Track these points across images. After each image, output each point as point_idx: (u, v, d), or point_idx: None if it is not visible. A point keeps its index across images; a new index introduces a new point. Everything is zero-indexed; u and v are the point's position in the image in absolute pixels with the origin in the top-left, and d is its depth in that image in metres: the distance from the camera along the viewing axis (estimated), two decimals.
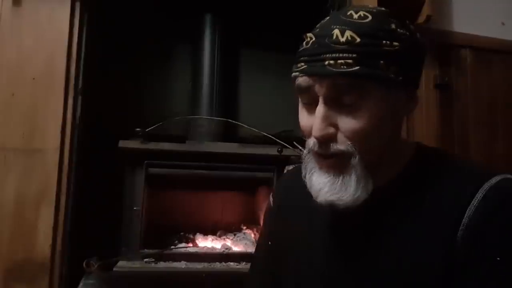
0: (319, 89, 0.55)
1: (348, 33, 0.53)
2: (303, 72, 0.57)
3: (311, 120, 0.58)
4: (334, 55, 0.53)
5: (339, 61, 0.53)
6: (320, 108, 0.55)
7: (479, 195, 0.53)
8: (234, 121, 1.68)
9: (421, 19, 1.60)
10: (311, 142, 0.59)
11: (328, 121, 0.55)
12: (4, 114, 1.30)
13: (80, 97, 1.38)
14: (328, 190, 0.57)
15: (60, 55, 1.34)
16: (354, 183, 0.56)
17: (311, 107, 0.59)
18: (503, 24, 1.85)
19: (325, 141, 0.56)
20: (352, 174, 0.56)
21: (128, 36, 1.77)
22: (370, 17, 0.55)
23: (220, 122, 1.67)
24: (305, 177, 0.61)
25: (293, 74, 0.59)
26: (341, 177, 0.56)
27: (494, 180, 0.54)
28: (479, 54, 1.78)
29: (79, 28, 1.38)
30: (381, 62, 0.53)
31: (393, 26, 0.56)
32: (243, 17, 1.87)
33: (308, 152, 0.61)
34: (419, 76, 0.61)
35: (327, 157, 0.57)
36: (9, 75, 1.31)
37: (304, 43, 0.58)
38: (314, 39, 0.56)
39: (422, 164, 0.61)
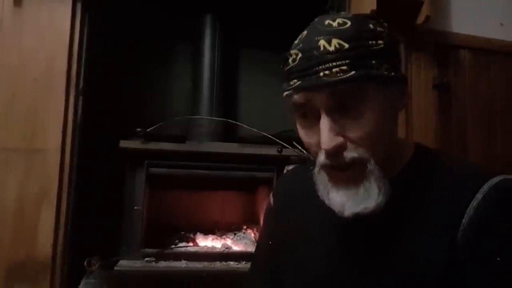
0: (319, 102, 0.54)
1: (335, 41, 0.53)
2: (299, 88, 0.56)
3: (315, 136, 0.57)
4: (327, 65, 0.53)
5: (334, 70, 0.53)
6: (325, 121, 0.54)
7: (478, 195, 0.53)
8: (234, 121, 1.68)
9: (420, 19, 1.60)
10: (321, 157, 0.57)
11: (335, 131, 0.54)
12: (6, 114, 1.30)
13: (81, 97, 1.38)
14: (353, 203, 0.56)
15: (61, 56, 1.35)
16: (376, 189, 0.55)
17: (309, 121, 0.58)
18: (501, 25, 1.86)
19: (336, 152, 0.55)
20: (372, 181, 0.55)
21: (128, 36, 1.78)
22: (349, 23, 0.55)
23: (220, 122, 1.67)
24: (321, 196, 0.60)
25: (287, 92, 0.58)
26: (362, 187, 0.56)
27: (494, 180, 0.54)
28: (477, 54, 1.79)
29: (80, 28, 1.38)
30: (373, 62, 0.54)
31: (371, 26, 0.56)
32: (243, 17, 1.87)
33: (320, 169, 0.59)
34: (405, 76, 0.62)
35: (343, 169, 0.56)
36: (10, 76, 1.32)
37: (290, 60, 0.57)
38: (301, 54, 0.56)
39: (421, 165, 0.61)
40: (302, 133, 0.61)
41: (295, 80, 0.56)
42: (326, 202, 0.59)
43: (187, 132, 1.70)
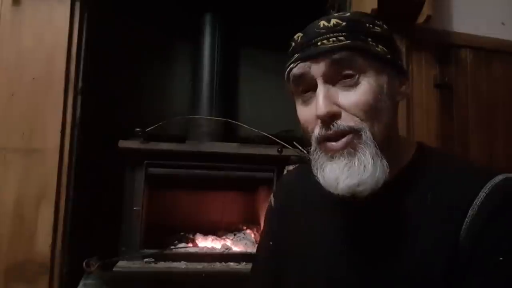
0: (316, 71, 0.57)
1: (334, 20, 0.58)
2: (298, 60, 0.58)
3: (312, 109, 0.58)
4: (325, 36, 0.57)
5: (331, 39, 0.56)
6: (321, 88, 0.57)
7: (481, 194, 0.53)
8: (234, 121, 1.68)
9: (421, 19, 1.59)
10: (316, 130, 0.58)
11: (331, 100, 0.56)
12: (4, 114, 1.29)
13: (79, 97, 1.37)
14: (347, 175, 0.54)
15: (59, 55, 1.34)
16: (370, 160, 0.54)
17: (309, 99, 0.60)
18: (503, 24, 1.85)
19: (330, 119, 0.55)
20: (367, 152, 0.54)
21: (128, 36, 1.77)
22: (348, 13, 0.60)
23: (220, 122, 1.67)
24: (316, 175, 0.58)
25: (288, 67, 0.61)
26: (356, 158, 0.54)
27: (497, 179, 0.54)
28: (479, 54, 1.78)
29: (78, 27, 1.38)
30: (369, 39, 0.57)
31: (370, 18, 0.60)
32: (243, 17, 1.87)
33: (315, 149, 0.59)
34: (403, 66, 0.63)
35: (337, 139, 0.56)
36: (9, 75, 1.31)
37: (293, 43, 0.61)
38: (302, 34, 0.60)
39: (423, 164, 0.61)
40: (300, 111, 0.62)
41: (295, 55, 0.59)
42: (322, 181, 0.58)
43: (187, 132, 1.70)
